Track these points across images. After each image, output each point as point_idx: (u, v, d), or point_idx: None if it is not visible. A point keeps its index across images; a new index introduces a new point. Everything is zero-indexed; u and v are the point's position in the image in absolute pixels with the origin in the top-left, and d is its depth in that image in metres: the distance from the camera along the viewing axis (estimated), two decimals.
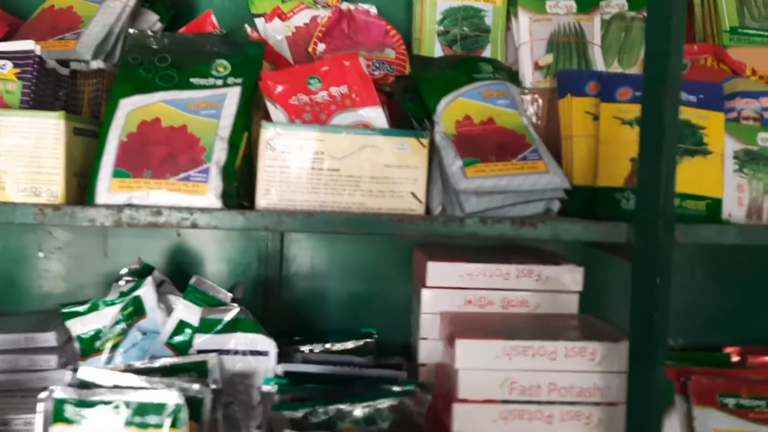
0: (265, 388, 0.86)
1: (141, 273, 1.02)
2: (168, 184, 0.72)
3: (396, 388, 0.80)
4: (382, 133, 0.75)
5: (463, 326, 0.86)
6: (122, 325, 0.95)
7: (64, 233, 1.13)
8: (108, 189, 0.71)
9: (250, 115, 0.80)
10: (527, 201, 0.78)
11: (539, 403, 0.80)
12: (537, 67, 1.00)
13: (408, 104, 0.84)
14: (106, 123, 0.75)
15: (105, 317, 0.96)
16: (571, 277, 0.95)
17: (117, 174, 0.72)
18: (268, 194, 0.75)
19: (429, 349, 0.96)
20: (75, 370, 0.80)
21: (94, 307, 0.96)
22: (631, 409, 0.72)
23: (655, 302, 0.70)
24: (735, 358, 1.13)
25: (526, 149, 0.79)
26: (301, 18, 1.08)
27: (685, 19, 0.70)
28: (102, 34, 0.89)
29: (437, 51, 1.03)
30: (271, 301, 1.15)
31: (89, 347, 0.95)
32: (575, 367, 0.80)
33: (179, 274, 1.13)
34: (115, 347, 0.94)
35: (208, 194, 0.72)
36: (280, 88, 0.80)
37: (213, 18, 0.99)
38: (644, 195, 0.72)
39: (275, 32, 1.07)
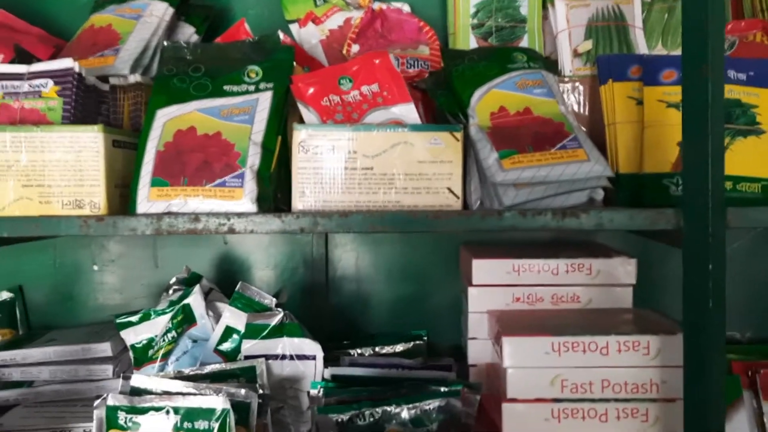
0: (313, 392, 0.86)
1: (189, 281, 1.04)
2: (204, 191, 0.73)
3: (443, 389, 0.79)
4: (413, 128, 0.74)
5: (510, 324, 0.83)
6: (173, 333, 0.96)
7: (116, 246, 1.16)
8: (147, 198, 0.73)
9: (284, 119, 0.80)
10: (569, 191, 0.75)
11: (592, 400, 0.76)
12: (576, 54, 0.97)
13: (441, 99, 0.83)
14: (143, 134, 0.76)
15: (156, 326, 0.98)
16: (623, 269, 0.92)
17: (155, 183, 0.73)
18: (303, 196, 0.75)
19: (478, 349, 0.94)
20: (126, 378, 0.82)
21: (146, 317, 0.98)
22: (689, 404, 0.68)
23: (709, 290, 0.66)
24: None
25: (564, 138, 0.76)
26: (335, 21, 1.08)
27: None
28: (139, 49, 0.91)
29: (472, 44, 1.01)
30: (319, 306, 1.15)
31: (143, 356, 0.97)
32: (629, 362, 0.76)
33: (227, 281, 1.15)
34: (167, 355, 0.96)
35: (244, 199, 0.72)
36: (311, 90, 0.80)
37: (246, 26, 1.00)
38: (691, 178, 0.68)
39: (309, 37, 1.08)
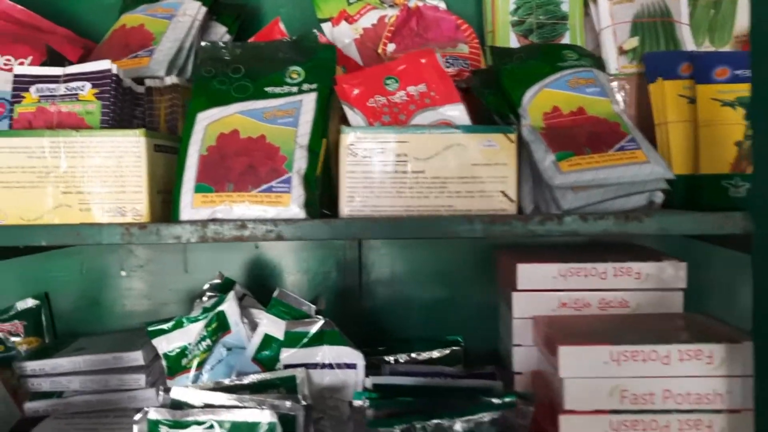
0: (356, 402, 0.83)
1: (222, 287, 1.02)
2: (250, 197, 0.70)
3: (496, 401, 0.76)
4: (466, 130, 0.71)
5: (562, 331, 0.80)
6: (207, 342, 0.94)
7: (144, 251, 1.14)
8: (191, 204, 0.70)
9: (327, 121, 0.77)
10: (628, 194, 0.72)
11: (654, 411, 0.73)
12: (621, 51, 0.94)
13: (489, 98, 0.80)
14: (185, 138, 0.74)
15: (190, 334, 0.95)
16: (673, 273, 0.88)
17: (199, 189, 0.70)
18: (351, 201, 0.72)
19: (523, 357, 0.91)
20: (167, 390, 0.79)
21: (178, 325, 0.95)
22: (762, 415, 0.65)
23: None
24: None
25: (622, 138, 0.73)
26: (369, 19, 1.06)
27: None
28: (174, 50, 0.88)
29: (512, 42, 0.98)
30: (352, 311, 1.13)
31: (176, 365, 0.94)
32: (692, 371, 0.73)
33: (258, 286, 1.12)
34: (201, 364, 0.94)
35: (291, 205, 0.70)
36: (356, 91, 0.77)
37: (281, 25, 0.97)
38: (762, 178, 0.65)
39: (343, 36, 1.05)
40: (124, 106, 0.77)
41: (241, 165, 0.71)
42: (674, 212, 0.69)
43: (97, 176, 0.70)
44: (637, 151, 0.72)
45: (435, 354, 1.05)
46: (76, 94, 0.74)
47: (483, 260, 1.14)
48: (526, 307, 0.90)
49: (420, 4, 1.02)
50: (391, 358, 1.05)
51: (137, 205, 0.70)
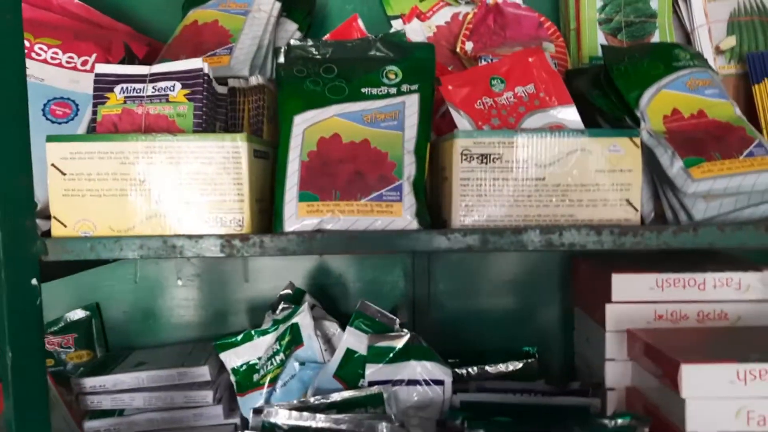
0: (451, 422, 0.78)
1: (293, 298, 0.97)
2: (359, 206, 0.65)
3: (608, 422, 0.71)
4: (591, 134, 0.67)
5: (670, 346, 0.76)
6: (281, 356, 0.89)
7: (201, 259, 1.08)
8: (296, 215, 0.65)
9: (431, 124, 0.72)
10: (757, 203, 0.67)
11: None
12: (718, 51, 0.90)
13: (598, 100, 0.75)
14: (283, 143, 0.68)
15: (259, 348, 0.91)
16: None
17: (303, 197, 0.65)
18: (466, 210, 0.67)
19: (617, 371, 0.86)
20: (257, 412, 0.74)
21: (247, 338, 0.90)
22: None
23: None
24: None
25: (749, 144, 0.68)
26: (442, 17, 1.01)
27: None
28: (254, 47, 0.82)
29: (600, 40, 0.94)
30: (421, 321, 1.08)
31: (246, 381, 0.89)
32: None
33: (321, 295, 1.07)
34: (274, 380, 0.88)
35: (404, 214, 0.65)
36: (462, 93, 0.72)
37: (360, 23, 0.92)
38: None
39: (414, 34, 1.00)
40: (210, 108, 0.72)
41: (346, 172, 0.66)
42: None
43: (194, 183, 0.64)
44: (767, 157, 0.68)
45: (509, 367, 1.01)
46: (166, 95, 0.68)
47: (554, 268, 1.10)
48: (620, 319, 0.86)
49: (500, 0, 0.97)
50: (464, 371, 1.00)
51: (237, 215, 0.65)
